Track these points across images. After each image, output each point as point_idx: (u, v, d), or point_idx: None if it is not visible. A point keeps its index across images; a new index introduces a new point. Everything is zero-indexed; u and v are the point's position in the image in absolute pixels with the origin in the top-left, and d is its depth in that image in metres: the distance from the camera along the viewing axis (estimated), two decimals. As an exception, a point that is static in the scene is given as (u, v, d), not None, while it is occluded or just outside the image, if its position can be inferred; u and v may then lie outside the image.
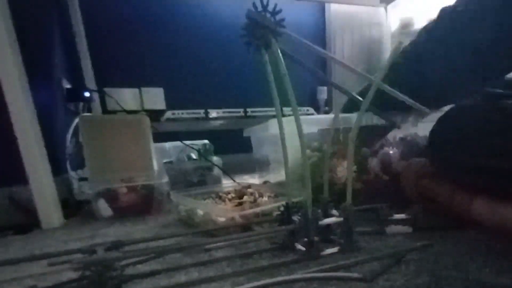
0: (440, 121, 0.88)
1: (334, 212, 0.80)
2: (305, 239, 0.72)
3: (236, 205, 0.98)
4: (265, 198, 1.04)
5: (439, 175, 0.92)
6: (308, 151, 1.14)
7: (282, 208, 0.80)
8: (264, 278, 0.61)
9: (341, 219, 0.75)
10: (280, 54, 0.63)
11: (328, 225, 0.78)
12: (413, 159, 1.03)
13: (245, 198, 1.05)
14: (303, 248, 0.72)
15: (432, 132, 0.89)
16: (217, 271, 0.67)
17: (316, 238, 0.71)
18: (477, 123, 0.77)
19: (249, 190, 1.14)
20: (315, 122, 1.12)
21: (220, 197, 1.09)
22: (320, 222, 0.73)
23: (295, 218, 0.75)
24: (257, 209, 0.92)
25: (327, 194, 0.83)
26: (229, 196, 1.09)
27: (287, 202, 0.78)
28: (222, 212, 0.92)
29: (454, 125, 0.83)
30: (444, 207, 0.90)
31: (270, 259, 0.72)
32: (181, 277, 0.64)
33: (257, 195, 1.07)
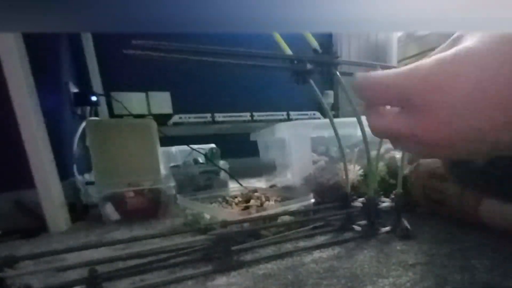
0: None
1: (386, 199, 0.93)
2: (365, 221, 0.88)
3: (243, 209, 0.97)
4: (271, 202, 1.04)
5: (447, 176, 0.91)
6: (314, 155, 1.14)
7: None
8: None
9: (393, 204, 0.89)
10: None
11: (378, 212, 0.90)
12: (419, 161, 1.03)
13: (252, 202, 1.04)
14: (359, 228, 0.89)
15: None
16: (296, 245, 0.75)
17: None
18: None
19: (256, 194, 1.13)
20: (321, 126, 1.12)
21: (226, 201, 1.09)
22: (379, 206, 0.88)
23: (356, 203, 0.91)
24: (264, 213, 0.92)
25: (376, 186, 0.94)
26: (236, 200, 1.09)
27: (346, 191, 0.93)
28: (228, 216, 0.92)
29: None
30: (451, 209, 0.90)
31: (330, 239, 0.86)
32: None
33: (263, 199, 1.06)
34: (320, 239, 0.86)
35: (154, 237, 0.76)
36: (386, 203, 0.90)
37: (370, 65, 0.83)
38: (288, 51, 0.78)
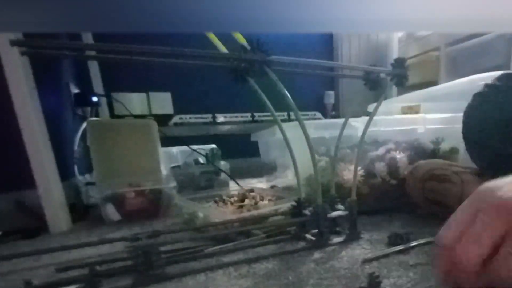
0: (475, 96, 0.86)
1: (340, 206, 0.88)
2: (316, 230, 0.81)
3: (237, 208, 1.00)
4: (265, 201, 1.06)
5: (446, 177, 0.91)
6: (316, 156, 1.14)
7: (294, 203, 0.87)
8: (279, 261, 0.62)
9: (346, 212, 0.85)
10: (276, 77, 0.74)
11: (334, 218, 0.86)
12: (418, 162, 1.03)
13: (246, 201, 1.07)
14: (313, 238, 0.81)
15: (467, 108, 0.88)
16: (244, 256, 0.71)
17: (325, 229, 0.81)
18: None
19: (252, 193, 1.15)
20: (322, 126, 1.12)
21: (223, 201, 1.11)
22: (329, 215, 0.82)
23: (306, 212, 0.83)
24: (254, 212, 0.94)
25: (333, 192, 0.91)
26: (232, 199, 1.11)
27: (298, 197, 0.86)
28: (219, 215, 0.94)
29: (489, 103, 0.81)
30: (451, 210, 0.90)
31: (282, 247, 0.81)
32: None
33: (258, 199, 1.09)
34: (259, 251, 0.80)
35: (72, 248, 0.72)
36: (339, 211, 0.87)
37: (318, 63, 0.82)
38: (224, 50, 0.75)
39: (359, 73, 0.91)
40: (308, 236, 0.83)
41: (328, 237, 0.82)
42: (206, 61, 0.73)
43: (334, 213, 0.85)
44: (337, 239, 0.82)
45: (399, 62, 0.86)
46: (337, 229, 0.87)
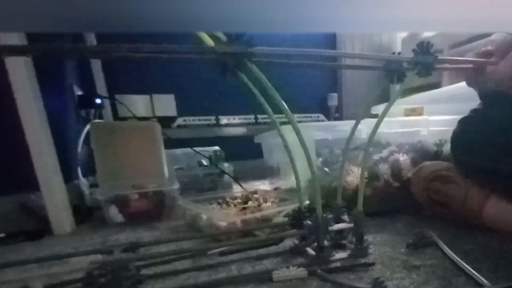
0: (461, 123, 0.87)
1: (346, 217, 0.80)
2: (315, 244, 0.72)
3: (241, 210, 1.00)
4: (268, 203, 1.06)
5: (450, 178, 0.91)
6: (317, 158, 1.14)
7: (293, 213, 0.79)
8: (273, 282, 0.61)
9: (351, 224, 0.76)
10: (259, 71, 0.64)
11: (341, 231, 0.79)
12: (423, 163, 1.03)
13: (250, 203, 1.07)
14: (313, 253, 0.73)
15: (454, 133, 0.88)
16: (227, 275, 0.67)
17: (326, 243, 0.72)
18: (496, 126, 0.76)
19: (255, 195, 1.15)
20: (325, 128, 1.12)
21: (226, 202, 1.11)
22: (330, 228, 0.73)
23: (307, 222, 0.72)
24: (257, 214, 0.94)
25: (339, 200, 0.83)
26: (235, 201, 1.11)
27: (298, 206, 0.78)
28: (223, 217, 0.94)
29: (475, 127, 0.82)
30: (455, 211, 0.90)
31: (279, 263, 0.73)
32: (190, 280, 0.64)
33: (261, 201, 1.09)
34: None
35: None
36: (344, 223, 0.78)
37: (323, 54, 0.75)
38: (210, 43, 0.63)
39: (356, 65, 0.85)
40: (309, 250, 0.75)
41: (330, 253, 0.72)
42: (182, 55, 0.63)
43: (337, 226, 0.76)
44: (340, 255, 0.73)
45: (424, 48, 0.70)
46: (343, 242, 0.80)
